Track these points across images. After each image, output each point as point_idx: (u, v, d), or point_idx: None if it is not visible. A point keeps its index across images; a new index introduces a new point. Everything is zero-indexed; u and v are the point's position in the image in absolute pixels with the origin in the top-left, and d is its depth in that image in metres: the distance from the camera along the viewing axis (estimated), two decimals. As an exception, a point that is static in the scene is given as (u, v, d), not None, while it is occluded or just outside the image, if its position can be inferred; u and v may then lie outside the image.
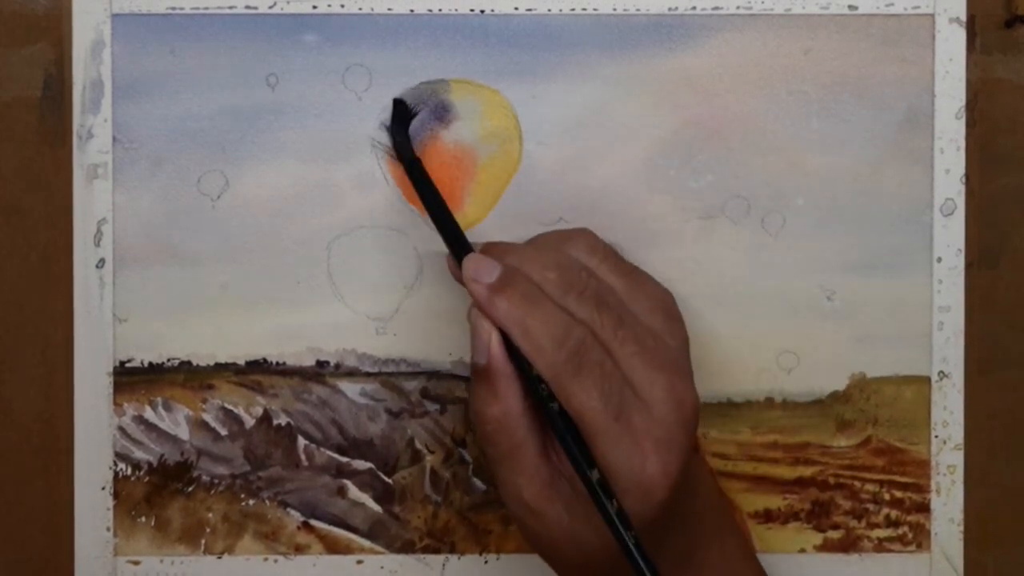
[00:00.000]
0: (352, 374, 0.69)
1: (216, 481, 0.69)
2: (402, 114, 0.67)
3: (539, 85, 0.68)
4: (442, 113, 0.68)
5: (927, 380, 0.69)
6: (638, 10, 0.68)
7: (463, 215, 0.68)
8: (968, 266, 0.69)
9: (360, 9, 0.68)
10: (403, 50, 0.68)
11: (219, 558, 0.70)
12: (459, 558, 0.70)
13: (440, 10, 0.68)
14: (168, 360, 0.69)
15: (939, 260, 0.69)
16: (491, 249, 0.62)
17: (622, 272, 0.62)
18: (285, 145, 0.68)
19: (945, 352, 0.69)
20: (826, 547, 0.70)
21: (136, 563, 0.69)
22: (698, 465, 0.65)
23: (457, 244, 0.63)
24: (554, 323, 0.58)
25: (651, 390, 0.58)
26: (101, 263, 0.68)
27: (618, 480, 0.57)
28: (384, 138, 0.68)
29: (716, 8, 0.68)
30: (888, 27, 0.68)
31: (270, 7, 0.68)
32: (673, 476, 0.58)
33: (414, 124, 0.68)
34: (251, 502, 0.69)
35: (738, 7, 0.68)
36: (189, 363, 0.69)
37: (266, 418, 0.69)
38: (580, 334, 0.58)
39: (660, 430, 0.58)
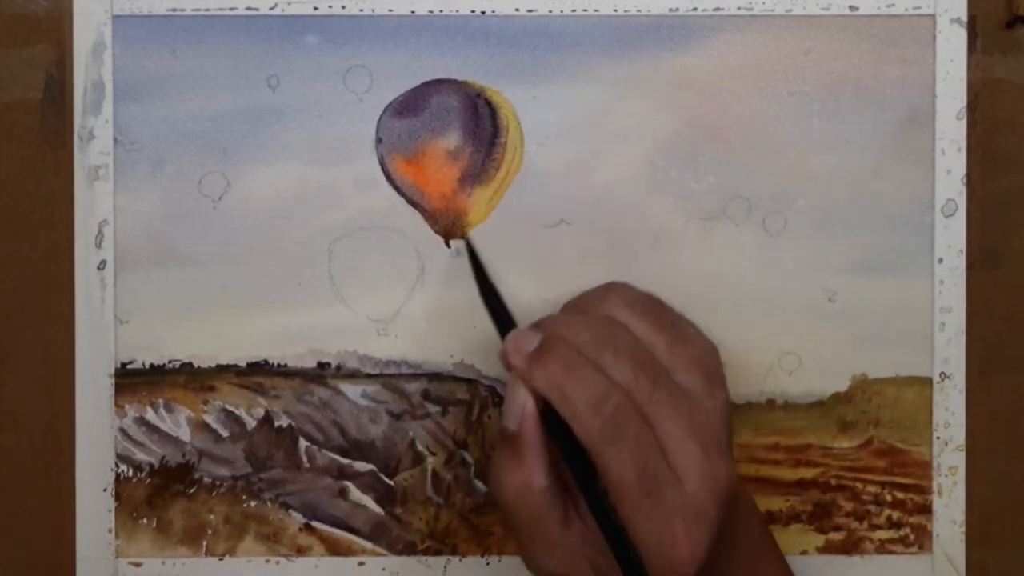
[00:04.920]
0: (353, 376, 0.69)
1: (217, 483, 0.69)
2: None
3: (540, 86, 0.68)
4: (444, 114, 0.68)
5: (929, 381, 0.69)
6: (639, 11, 0.68)
7: (465, 217, 0.68)
8: (969, 267, 0.69)
9: (361, 10, 0.68)
10: (404, 51, 0.68)
11: (221, 560, 0.69)
12: (461, 560, 0.70)
13: (441, 11, 0.68)
14: (169, 362, 0.69)
15: (940, 261, 0.69)
16: (532, 324, 0.61)
17: (662, 326, 0.61)
18: (286, 146, 0.68)
19: (947, 353, 0.69)
20: (828, 549, 0.70)
21: (138, 565, 0.69)
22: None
23: (505, 325, 0.62)
24: (592, 387, 0.57)
25: (685, 461, 0.57)
26: (102, 265, 0.68)
27: (646, 555, 0.56)
28: (386, 134, 0.68)
29: (717, 9, 0.68)
30: (889, 28, 0.68)
31: (271, 8, 0.68)
32: (700, 555, 0.57)
33: (415, 124, 0.68)
34: (252, 504, 0.69)
35: (739, 8, 0.68)
36: (190, 365, 0.69)
37: (267, 420, 0.69)
38: (616, 399, 0.57)
39: (691, 507, 0.57)
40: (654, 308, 0.62)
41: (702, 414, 0.59)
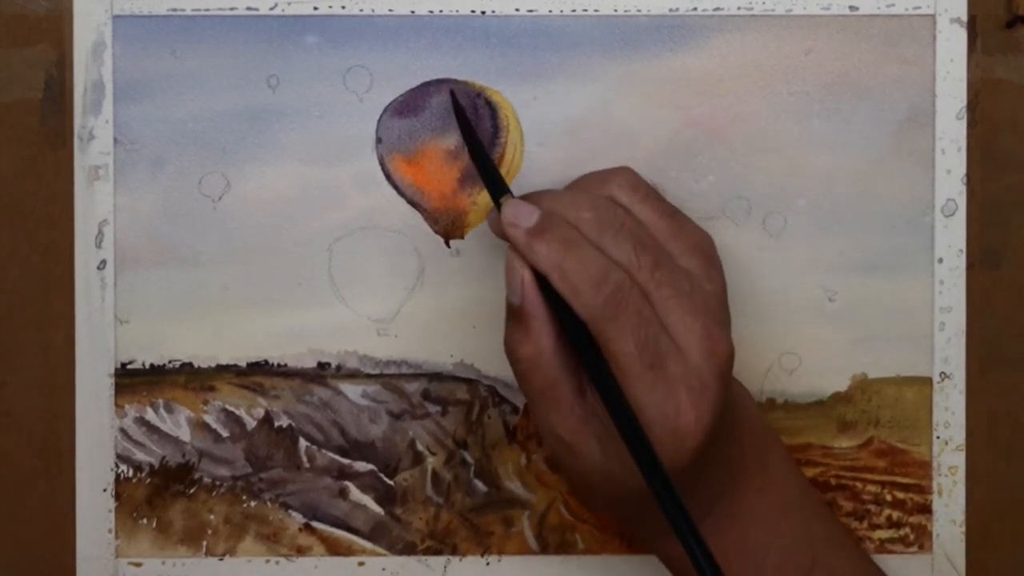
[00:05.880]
0: (353, 376, 0.69)
1: (217, 483, 0.69)
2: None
3: (540, 86, 0.68)
4: (444, 114, 0.68)
5: (929, 381, 0.69)
6: (639, 11, 0.68)
7: (465, 217, 0.68)
8: (969, 267, 0.69)
9: (361, 10, 0.68)
10: (404, 51, 0.68)
11: (221, 560, 0.69)
12: (460, 560, 0.70)
13: (441, 11, 0.68)
14: (169, 362, 0.69)
15: (940, 261, 0.69)
16: (529, 196, 0.62)
17: (662, 212, 0.62)
18: (286, 146, 0.68)
19: (947, 353, 0.69)
20: (828, 548, 0.70)
21: (138, 565, 0.69)
22: (738, 411, 0.64)
23: (496, 189, 0.63)
24: (592, 266, 0.58)
25: (686, 336, 0.58)
26: (102, 264, 0.68)
27: (652, 427, 0.57)
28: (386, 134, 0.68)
29: (717, 9, 0.68)
30: (889, 27, 0.68)
31: (271, 8, 0.68)
32: (706, 424, 0.58)
33: (415, 124, 0.68)
34: (252, 504, 0.69)
35: (739, 8, 0.68)
36: (190, 365, 0.69)
37: (267, 420, 0.69)
38: (618, 278, 0.58)
39: (694, 378, 0.58)
40: (655, 194, 0.64)
41: (702, 295, 0.60)
